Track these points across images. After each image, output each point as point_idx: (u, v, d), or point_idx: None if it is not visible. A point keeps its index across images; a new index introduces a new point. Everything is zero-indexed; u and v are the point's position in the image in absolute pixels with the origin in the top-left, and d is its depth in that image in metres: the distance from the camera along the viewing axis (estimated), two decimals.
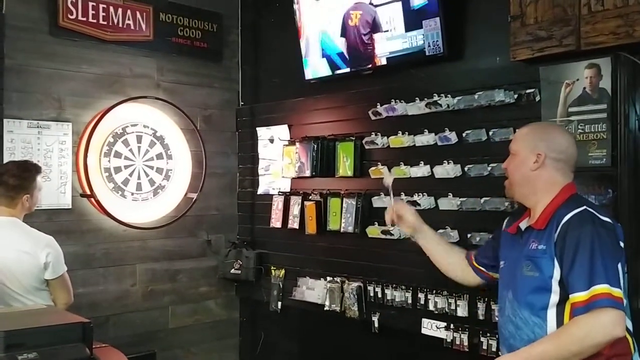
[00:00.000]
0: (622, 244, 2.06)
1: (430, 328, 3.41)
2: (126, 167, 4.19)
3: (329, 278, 3.99)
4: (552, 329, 2.04)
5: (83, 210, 4.02)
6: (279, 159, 4.38)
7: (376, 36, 3.66)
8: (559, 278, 2.03)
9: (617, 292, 1.91)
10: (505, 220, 2.47)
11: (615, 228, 2.08)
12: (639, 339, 2.17)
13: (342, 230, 3.85)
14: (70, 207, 3.95)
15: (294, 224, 4.19)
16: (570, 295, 1.98)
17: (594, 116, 2.76)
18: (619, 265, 1.99)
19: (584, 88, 2.78)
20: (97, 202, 3.98)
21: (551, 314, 2.05)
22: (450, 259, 2.64)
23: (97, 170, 4.03)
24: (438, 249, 2.66)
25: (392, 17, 3.54)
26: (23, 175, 3.19)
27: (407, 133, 3.55)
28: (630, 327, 2.07)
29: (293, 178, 4.26)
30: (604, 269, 1.92)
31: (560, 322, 2.03)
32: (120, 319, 4.18)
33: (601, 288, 1.89)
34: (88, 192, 3.95)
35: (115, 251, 4.17)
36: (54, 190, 3.87)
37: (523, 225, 2.26)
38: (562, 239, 2.03)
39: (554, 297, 2.04)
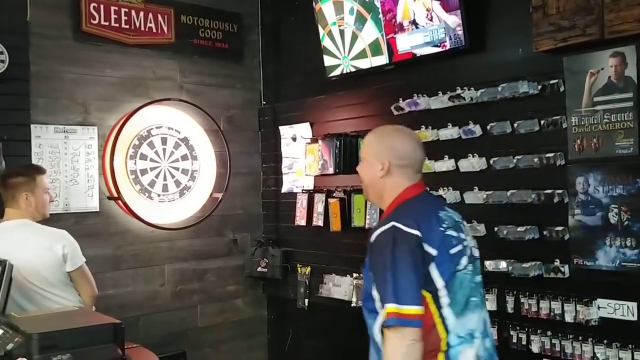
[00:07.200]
0: (432, 251, 1.93)
1: None
2: (152, 169, 4.23)
3: (355, 274, 4.00)
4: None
5: (110, 212, 4.07)
6: (302, 157, 4.39)
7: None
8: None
9: (406, 309, 1.87)
10: None
11: (423, 239, 1.94)
12: None
13: (367, 226, 3.84)
14: (97, 210, 4.00)
15: (318, 221, 4.20)
16: None
17: (620, 105, 2.73)
18: (433, 272, 1.92)
19: (609, 77, 2.75)
20: (124, 204, 4.03)
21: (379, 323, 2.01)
22: None
23: (123, 173, 4.08)
24: None
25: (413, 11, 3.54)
26: (22, 172, 3.21)
27: (430, 127, 3.53)
28: (453, 342, 1.96)
29: (316, 176, 4.27)
30: (394, 288, 1.89)
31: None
32: (150, 319, 4.23)
33: (390, 307, 1.88)
34: (115, 195, 3.99)
35: (144, 252, 4.22)
36: (81, 194, 3.93)
37: None
38: (370, 257, 2.02)
39: (378, 304, 1.98)
